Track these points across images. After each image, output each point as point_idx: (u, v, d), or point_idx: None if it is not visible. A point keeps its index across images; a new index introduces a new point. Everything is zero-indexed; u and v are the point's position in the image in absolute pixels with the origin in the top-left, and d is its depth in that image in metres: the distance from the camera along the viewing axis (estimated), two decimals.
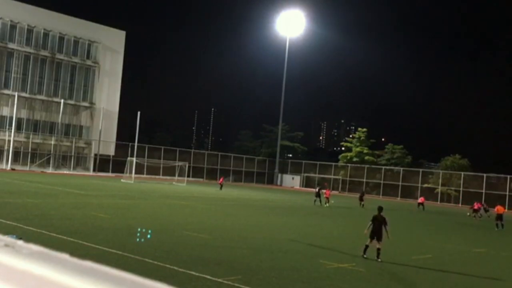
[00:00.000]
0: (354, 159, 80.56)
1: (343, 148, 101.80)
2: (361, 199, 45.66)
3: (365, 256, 16.17)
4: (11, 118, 62.20)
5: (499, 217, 33.40)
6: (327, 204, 41.58)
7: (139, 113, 56.01)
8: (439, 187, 69.11)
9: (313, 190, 48.39)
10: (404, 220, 36.69)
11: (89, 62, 70.32)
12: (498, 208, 34.27)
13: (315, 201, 42.46)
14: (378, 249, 16.06)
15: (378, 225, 16.38)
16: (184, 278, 11.36)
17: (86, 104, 70.14)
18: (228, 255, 14.81)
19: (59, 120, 66.69)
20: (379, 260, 15.86)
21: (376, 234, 16.23)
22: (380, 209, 17.19)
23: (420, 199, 52.03)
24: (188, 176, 64.17)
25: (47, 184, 38.27)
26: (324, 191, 44.67)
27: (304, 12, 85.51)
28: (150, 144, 77.15)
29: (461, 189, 67.49)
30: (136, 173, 56.57)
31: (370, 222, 16.70)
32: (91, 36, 69.96)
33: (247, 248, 16.47)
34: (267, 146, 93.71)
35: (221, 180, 57.63)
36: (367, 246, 16.25)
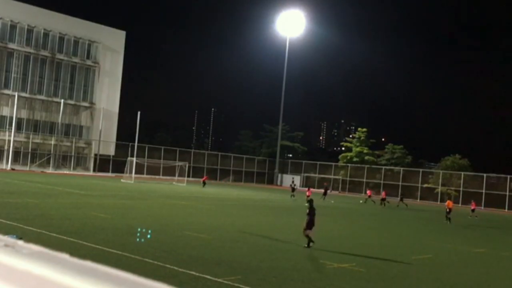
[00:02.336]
0: (354, 159, 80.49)
1: (343, 148, 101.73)
2: (325, 193, 51.01)
3: (308, 247, 17.20)
4: (11, 118, 62.16)
5: (449, 211, 35.80)
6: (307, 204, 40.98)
7: (139, 113, 56.01)
8: (439, 187, 69.07)
9: (312, 189, 50.96)
10: (404, 220, 36.70)
11: (89, 62, 70.30)
12: (448, 203, 36.75)
13: (291, 196, 47.58)
14: (308, 236, 17.41)
15: (312, 216, 17.90)
16: (184, 278, 11.36)
17: (86, 104, 70.13)
18: (228, 255, 14.81)
19: (59, 120, 66.68)
20: (308, 246, 17.13)
21: (312, 224, 17.71)
22: (312, 202, 19.06)
23: (382, 194, 52.48)
24: (188, 176, 64.14)
25: (47, 184, 38.26)
26: (294, 186, 51.38)
27: (304, 12, 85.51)
28: (150, 144, 77.07)
29: (461, 189, 67.44)
30: (136, 173, 56.54)
31: (308, 217, 17.94)
32: (91, 36, 69.95)
33: (247, 248, 16.47)
34: (267, 146, 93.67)
35: (204, 178, 57.21)
36: (308, 237, 17.45)
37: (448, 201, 37.23)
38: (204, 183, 54.59)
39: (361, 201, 52.39)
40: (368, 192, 55.71)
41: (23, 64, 64.45)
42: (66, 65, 68.44)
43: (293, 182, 56.52)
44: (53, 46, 66.89)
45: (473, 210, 43.72)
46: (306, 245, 17.31)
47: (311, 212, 18.05)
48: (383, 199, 50.55)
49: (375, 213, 40.60)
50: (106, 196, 32.80)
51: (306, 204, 38.39)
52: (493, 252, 21.60)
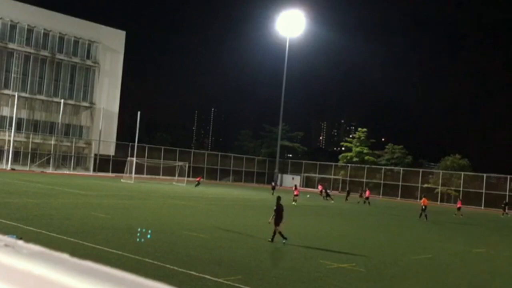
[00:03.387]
0: (354, 159, 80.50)
1: (343, 148, 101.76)
2: (327, 195, 51.70)
3: (271, 241, 17.81)
4: (11, 118, 62.15)
5: (424, 208, 36.90)
6: (294, 203, 39.43)
7: (139, 113, 56.02)
8: (439, 187, 69.08)
9: (307, 189, 52.87)
10: (404, 220, 36.72)
11: (89, 62, 70.30)
12: (424, 201, 38.13)
13: (272, 193, 48.97)
14: (280, 232, 17.95)
15: (279, 213, 18.39)
16: (184, 278, 11.36)
17: (86, 104, 70.13)
18: (228, 255, 14.81)
19: (59, 120, 66.67)
20: (285, 241, 17.56)
21: (278, 220, 18.26)
22: (279, 198, 19.27)
23: (367, 193, 52.74)
24: (188, 176, 64.13)
25: (47, 184, 38.26)
26: (275, 185, 54.23)
27: (304, 12, 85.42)
28: (150, 144, 77.05)
29: (461, 189, 67.43)
30: (136, 173, 56.53)
31: (274, 213, 18.50)
32: (91, 36, 69.94)
33: (247, 248, 16.47)
34: (267, 146, 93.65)
35: (199, 178, 57.36)
36: (275, 232, 18.06)
37: (423, 199, 38.56)
38: (198, 183, 54.62)
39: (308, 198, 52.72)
40: (319, 187, 57.09)
41: (23, 64, 64.44)
42: (66, 65, 68.43)
43: (274, 181, 59.22)
44: (53, 46, 66.89)
45: (458, 209, 45.03)
46: (270, 239, 17.88)
47: (279, 209, 18.51)
48: (367, 198, 50.78)
49: (374, 213, 40.62)
50: (106, 196, 32.79)
51: (294, 203, 38.74)
52: (493, 252, 21.59)
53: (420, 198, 68.68)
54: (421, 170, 74.16)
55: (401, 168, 74.73)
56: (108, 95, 72.11)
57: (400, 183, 71.92)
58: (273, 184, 55.82)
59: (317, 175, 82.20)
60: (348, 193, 54.35)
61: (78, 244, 14.13)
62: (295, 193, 41.18)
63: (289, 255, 15.73)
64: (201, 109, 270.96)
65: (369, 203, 49.36)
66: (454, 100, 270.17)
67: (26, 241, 1.19)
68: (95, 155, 68.77)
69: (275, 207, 18.72)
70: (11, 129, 61.55)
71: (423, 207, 37.12)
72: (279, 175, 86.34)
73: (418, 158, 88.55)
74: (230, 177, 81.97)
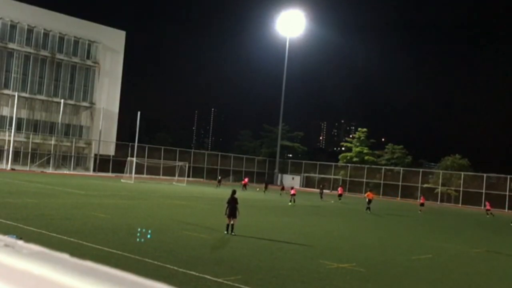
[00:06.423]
0: (354, 159, 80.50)
1: (343, 148, 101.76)
2: (321, 193, 51.64)
3: (227, 233, 18.88)
4: (11, 118, 62.14)
5: (369, 202, 38.64)
6: (290, 203, 39.76)
7: (139, 113, 56.01)
8: (439, 187, 69.06)
9: (297, 188, 54.45)
10: (404, 220, 36.71)
11: (89, 62, 70.30)
12: (368, 194, 39.67)
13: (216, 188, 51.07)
14: (233, 225, 19.06)
15: (232, 206, 19.26)
16: (184, 278, 11.36)
17: (86, 104, 70.13)
18: (228, 255, 14.81)
19: (59, 120, 66.67)
20: (234, 234, 18.69)
21: (231, 213, 19.12)
22: (234, 192, 20.26)
23: (339, 190, 53.53)
24: (188, 176, 64.10)
25: (47, 184, 38.25)
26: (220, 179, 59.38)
27: (304, 12, 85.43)
28: (150, 144, 77.02)
29: (461, 189, 67.43)
30: (136, 173, 56.51)
31: (227, 205, 19.48)
32: (91, 36, 69.94)
33: (247, 248, 16.47)
34: (267, 146, 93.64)
35: (245, 181, 58.34)
36: (228, 225, 19.11)
37: (368, 193, 40.04)
38: (244, 186, 55.29)
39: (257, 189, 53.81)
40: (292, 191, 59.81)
41: (23, 64, 64.44)
42: (66, 65, 68.43)
43: (219, 177, 63.88)
44: (53, 46, 66.88)
45: (421, 204, 46.53)
46: (226, 231, 18.94)
47: (231, 202, 19.35)
48: (340, 195, 51.44)
49: (374, 213, 40.63)
50: (106, 196, 32.79)
51: (290, 203, 38.94)
52: (492, 252, 21.61)
53: (420, 198, 69.21)
54: (421, 170, 74.14)
55: (401, 168, 74.72)
56: (108, 95, 72.12)
57: (400, 183, 71.91)
58: (219, 178, 60.54)
59: (317, 175, 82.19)
60: (322, 190, 52.40)
61: (78, 244, 14.14)
62: (292, 192, 41.33)
63: (289, 255, 15.73)
64: (201, 109, 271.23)
65: (339, 199, 50.14)
66: (454, 100, 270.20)
67: (26, 241, 1.19)
68: (95, 155, 68.78)
69: (227, 199, 19.66)
70: (11, 129, 61.54)
71: (368, 200, 38.69)
72: (279, 175, 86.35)
73: (418, 158, 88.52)
74: (230, 177, 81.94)
